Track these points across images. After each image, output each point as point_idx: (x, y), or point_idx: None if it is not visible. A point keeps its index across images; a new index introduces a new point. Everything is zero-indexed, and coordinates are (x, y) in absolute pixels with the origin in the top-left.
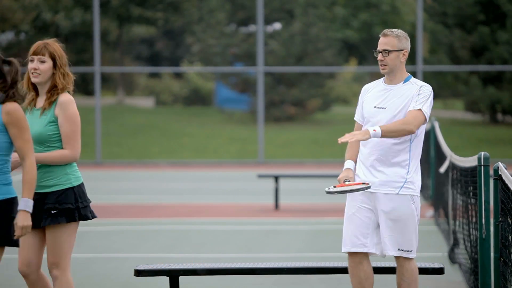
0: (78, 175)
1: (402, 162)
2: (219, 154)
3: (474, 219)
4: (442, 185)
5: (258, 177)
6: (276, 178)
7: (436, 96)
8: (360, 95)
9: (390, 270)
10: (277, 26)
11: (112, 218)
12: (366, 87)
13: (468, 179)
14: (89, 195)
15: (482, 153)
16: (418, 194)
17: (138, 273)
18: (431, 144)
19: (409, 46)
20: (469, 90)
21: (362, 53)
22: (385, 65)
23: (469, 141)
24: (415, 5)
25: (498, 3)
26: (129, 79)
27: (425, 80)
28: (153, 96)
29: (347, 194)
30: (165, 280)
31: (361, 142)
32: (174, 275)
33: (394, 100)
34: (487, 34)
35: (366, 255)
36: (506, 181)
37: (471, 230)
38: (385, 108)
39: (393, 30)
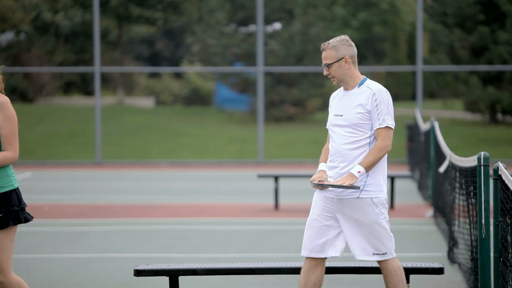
0: (15, 177)
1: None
2: (219, 154)
3: (474, 219)
4: (441, 185)
5: (258, 177)
6: (276, 178)
7: (436, 96)
8: (329, 103)
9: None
10: (277, 26)
11: (112, 218)
12: (333, 94)
13: (468, 179)
14: (89, 195)
15: (482, 153)
16: (381, 196)
17: (138, 273)
18: (431, 144)
19: (352, 51)
20: (469, 90)
21: (362, 53)
22: (332, 77)
23: (469, 141)
24: (414, 4)
25: (498, 3)
26: (129, 79)
27: (425, 80)
28: (153, 96)
29: (314, 200)
30: (165, 280)
31: (329, 147)
32: (174, 275)
33: (349, 106)
34: (487, 34)
35: (323, 260)
36: (506, 181)
37: (470, 230)
38: (342, 115)
39: (330, 41)
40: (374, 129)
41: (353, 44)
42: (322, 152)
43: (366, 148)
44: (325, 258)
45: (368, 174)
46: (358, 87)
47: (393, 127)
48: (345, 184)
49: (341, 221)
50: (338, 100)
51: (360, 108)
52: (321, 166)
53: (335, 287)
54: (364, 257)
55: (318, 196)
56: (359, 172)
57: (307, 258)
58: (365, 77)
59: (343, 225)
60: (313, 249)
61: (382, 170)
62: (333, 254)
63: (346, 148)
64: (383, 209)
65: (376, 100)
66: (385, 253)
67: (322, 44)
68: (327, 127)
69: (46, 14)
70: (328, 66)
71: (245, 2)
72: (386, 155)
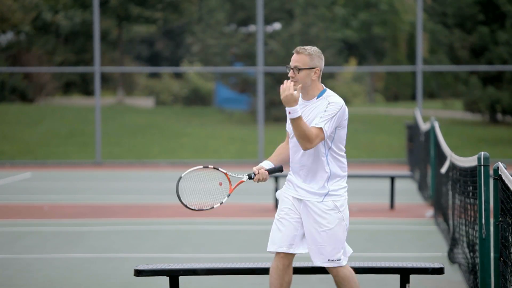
0: None
1: (323, 175)
2: (219, 154)
3: (474, 219)
4: (442, 185)
5: None
6: (276, 178)
7: (436, 96)
8: None
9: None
10: (277, 26)
11: (112, 218)
12: None
13: (468, 179)
14: (89, 195)
15: (482, 153)
16: (344, 197)
17: (138, 273)
18: (431, 144)
19: (322, 64)
20: (469, 90)
21: (362, 53)
22: (296, 81)
23: (469, 141)
24: (414, 5)
25: (498, 3)
26: (129, 79)
27: (425, 80)
28: (153, 96)
29: (281, 197)
30: (165, 280)
31: (290, 152)
32: (174, 275)
33: (307, 116)
34: (487, 34)
35: (292, 258)
36: (506, 181)
37: (471, 230)
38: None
39: (306, 47)
40: (311, 125)
41: (323, 58)
42: (276, 149)
43: (323, 159)
44: (294, 256)
45: (329, 181)
46: (317, 98)
47: (324, 133)
48: (287, 95)
49: (304, 223)
50: None
51: (314, 118)
52: (264, 163)
53: (335, 287)
54: (320, 263)
55: (285, 195)
56: (290, 113)
57: (279, 258)
58: (325, 88)
59: (305, 228)
60: (282, 245)
61: (345, 176)
62: (301, 251)
63: (309, 159)
64: (346, 216)
65: (326, 108)
66: (339, 260)
67: (298, 48)
68: (287, 129)
69: (46, 14)
70: (299, 70)
71: (245, 2)
72: (345, 165)
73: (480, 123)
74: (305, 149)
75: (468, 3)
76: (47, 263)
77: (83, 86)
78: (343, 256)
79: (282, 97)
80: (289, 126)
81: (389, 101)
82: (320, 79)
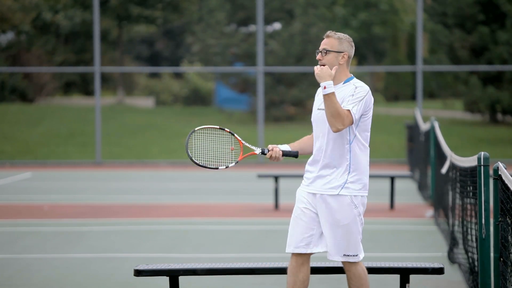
0: None
1: (343, 163)
2: None
3: (474, 219)
4: (442, 185)
5: (258, 177)
6: (276, 178)
7: (436, 96)
8: (315, 96)
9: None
10: (277, 26)
11: (111, 218)
12: (318, 90)
13: (468, 179)
14: (89, 195)
15: (482, 153)
16: (362, 195)
17: (138, 273)
18: (431, 144)
19: (352, 51)
20: (469, 90)
21: (362, 53)
22: (323, 65)
23: (469, 141)
24: (414, 5)
25: (498, 3)
26: (129, 79)
27: (425, 80)
28: (153, 96)
29: (297, 195)
30: (165, 280)
31: (314, 140)
32: (174, 275)
33: None
34: (487, 34)
35: (308, 257)
36: (506, 181)
37: (471, 230)
38: (324, 109)
39: (337, 33)
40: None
41: (354, 46)
42: (301, 139)
43: (346, 145)
44: (310, 255)
45: (349, 172)
46: (344, 83)
47: (354, 116)
48: (321, 73)
49: (321, 218)
50: (322, 95)
51: (340, 102)
52: (282, 145)
53: (335, 287)
54: (336, 257)
55: (301, 192)
56: (326, 87)
57: (294, 256)
58: (352, 75)
59: (322, 222)
60: (299, 245)
61: (366, 170)
62: (319, 249)
63: (329, 143)
64: (362, 211)
65: (354, 92)
66: (356, 255)
67: (329, 32)
68: (311, 120)
69: (46, 14)
70: (326, 52)
71: (245, 2)
72: (366, 159)
73: (480, 123)
74: (336, 130)
75: (468, 3)
76: (47, 263)
77: (83, 86)
78: (359, 251)
79: (316, 72)
80: (314, 116)
81: (389, 101)
82: (348, 67)
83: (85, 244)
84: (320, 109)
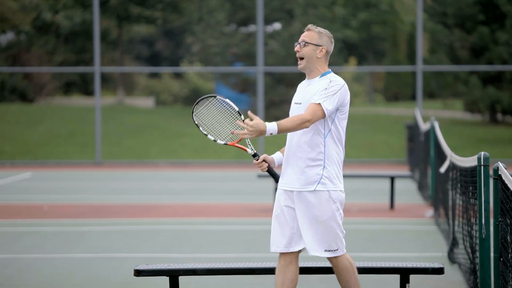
0: None
1: (318, 159)
2: (219, 154)
3: (474, 219)
4: (442, 185)
5: (258, 177)
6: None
7: (436, 96)
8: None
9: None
10: (277, 26)
11: (111, 218)
12: (300, 84)
13: (468, 179)
14: (89, 195)
15: (482, 153)
16: (338, 189)
17: (138, 273)
18: (431, 144)
19: (331, 47)
20: (469, 90)
21: (362, 53)
22: (301, 58)
23: (469, 141)
24: (414, 5)
25: (498, 3)
26: (129, 79)
27: (425, 80)
28: (153, 96)
29: (276, 195)
30: (165, 280)
31: (287, 138)
32: (174, 275)
33: (308, 94)
34: (487, 34)
35: (296, 256)
36: (506, 181)
37: (470, 230)
38: (300, 104)
39: (318, 27)
40: (310, 102)
41: (333, 42)
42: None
43: (320, 140)
44: (298, 253)
45: (324, 167)
46: (320, 77)
47: (325, 110)
48: (252, 135)
49: (298, 215)
50: (299, 89)
51: (315, 97)
52: (276, 155)
53: (335, 287)
54: (316, 253)
55: (279, 191)
56: (271, 127)
57: (281, 255)
58: (330, 70)
59: (299, 219)
60: (280, 245)
61: (340, 165)
62: (301, 247)
63: (301, 139)
64: (341, 205)
65: (328, 85)
66: (336, 250)
67: (310, 25)
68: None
69: (46, 14)
70: (305, 44)
71: (245, 2)
72: (342, 155)
73: (480, 123)
74: (306, 127)
75: (468, 3)
76: (47, 263)
77: (83, 86)
78: (340, 245)
79: (250, 130)
80: (291, 110)
81: (389, 101)
82: (327, 62)
83: (85, 244)
84: (296, 103)
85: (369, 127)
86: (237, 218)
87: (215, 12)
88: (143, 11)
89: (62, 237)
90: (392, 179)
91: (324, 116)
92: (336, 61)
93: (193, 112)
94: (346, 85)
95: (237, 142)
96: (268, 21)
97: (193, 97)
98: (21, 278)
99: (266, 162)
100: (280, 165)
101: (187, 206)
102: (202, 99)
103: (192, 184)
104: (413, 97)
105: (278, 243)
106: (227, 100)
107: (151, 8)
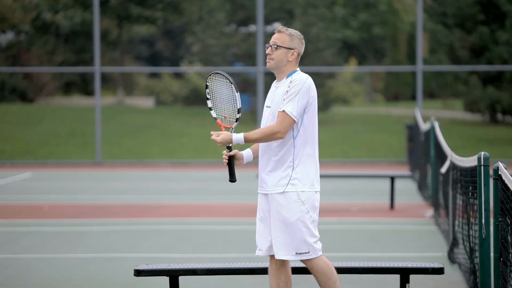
0: None
1: (287, 160)
2: (219, 154)
3: (474, 219)
4: (442, 185)
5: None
6: None
7: (436, 96)
8: None
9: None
10: (277, 26)
11: (111, 218)
12: (272, 85)
13: (468, 179)
14: (89, 195)
15: (482, 153)
16: (309, 190)
17: (138, 273)
18: (431, 144)
19: (302, 49)
20: (469, 90)
21: (362, 53)
22: (271, 59)
23: (469, 141)
24: (414, 5)
25: (498, 3)
26: (129, 79)
27: (425, 80)
28: (153, 96)
29: (258, 198)
30: (165, 280)
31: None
32: (174, 275)
33: (276, 97)
34: (487, 34)
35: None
36: (506, 181)
37: (471, 230)
38: (270, 107)
39: (289, 29)
40: (278, 106)
41: (304, 43)
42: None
43: (290, 141)
44: None
45: (293, 168)
46: (286, 78)
47: (291, 115)
48: (217, 139)
49: (271, 217)
50: (270, 91)
51: (279, 98)
52: (245, 152)
53: None
54: (286, 256)
55: (259, 195)
56: (237, 137)
57: (270, 259)
58: (297, 70)
59: (272, 222)
60: (262, 248)
61: (313, 165)
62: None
63: (271, 142)
64: (311, 208)
65: (288, 88)
66: (307, 252)
67: (280, 27)
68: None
69: (46, 14)
70: (277, 47)
71: (245, 2)
72: (313, 152)
73: (480, 123)
74: (280, 137)
75: (468, 3)
76: (47, 263)
77: (83, 86)
78: (311, 247)
79: (218, 141)
80: (263, 113)
81: (389, 101)
82: (297, 64)
83: (85, 244)
84: (267, 106)
85: (369, 127)
86: (237, 218)
87: (215, 12)
88: (143, 11)
89: (62, 237)
90: (392, 179)
91: (293, 121)
92: (336, 61)
93: (213, 74)
94: (308, 80)
95: (223, 126)
96: (268, 21)
97: (193, 97)
98: (21, 278)
99: (234, 156)
100: (248, 163)
101: (187, 206)
102: (226, 76)
103: (192, 184)
104: (413, 97)
105: (261, 246)
106: (237, 95)
107: (151, 8)
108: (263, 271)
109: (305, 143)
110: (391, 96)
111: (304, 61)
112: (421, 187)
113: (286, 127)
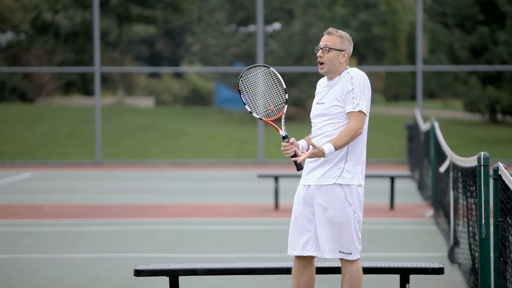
0: None
1: (341, 153)
2: (219, 154)
3: (474, 219)
4: (442, 185)
5: (258, 177)
6: (276, 178)
7: (436, 96)
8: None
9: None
10: (277, 26)
11: (111, 218)
12: (318, 83)
13: (468, 179)
14: (89, 195)
15: (482, 153)
16: (357, 184)
17: (138, 273)
18: (431, 144)
19: (351, 49)
20: (469, 90)
21: (362, 53)
22: (323, 63)
23: (469, 141)
24: (413, 5)
25: (498, 4)
26: (129, 79)
27: (425, 80)
28: (153, 96)
29: (296, 192)
30: (165, 280)
31: (312, 135)
32: (174, 275)
33: (332, 96)
34: (487, 34)
35: (311, 259)
36: (506, 181)
37: (471, 230)
38: (323, 103)
39: (338, 30)
40: (347, 111)
41: (352, 44)
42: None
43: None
44: (313, 257)
45: (346, 161)
46: (339, 76)
47: (366, 113)
48: (307, 156)
49: (316, 213)
50: (321, 90)
51: (339, 92)
52: (301, 141)
53: (335, 287)
54: (330, 255)
55: (299, 188)
56: (329, 149)
57: (296, 258)
58: (347, 66)
59: (317, 217)
60: (296, 248)
61: (363, 159)
62: (312, 253)
63: (324, 134)
64: (358, 207)
65: (352, 83)
66: (350, 253)
67: (330, 29)
68: (310, 116)
69: (46, 14)
70: (328, 50)
71: (245, 2)
72: (364, 147)
73: (480, 123)
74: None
75: (468, 3)
76: (47, 263)
77: (83, 86)
78: (354, 249)
79: (315, 157)
80: (312, 110)
81: (389, 101)
82: (347, 64)
83: (85, 244)
84: (319, 104)
85: (369, 127)
86: (237, 218)
87: (215, 12)
88: (143, 11)
89: (62, 237)
90: (392, 179)
91: (366, 117)
92: None
93: (241, 77)
94: (364, 74)
95: (272, 120)
96: (268, 21)
97: (193, 97)
98: (21, 278)
99: (293, 144)
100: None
101: (187, 206)
102: (255, 66)
103: (192, 184)
104: (413, 97)
105: (294, 246)
106: (278, 75)
107: (151, 8)
108: (263, 271)
109: (360, 136)
110: (391, 96)
111: (304, 61)
112: (421, 187)
113: (363, 122)
